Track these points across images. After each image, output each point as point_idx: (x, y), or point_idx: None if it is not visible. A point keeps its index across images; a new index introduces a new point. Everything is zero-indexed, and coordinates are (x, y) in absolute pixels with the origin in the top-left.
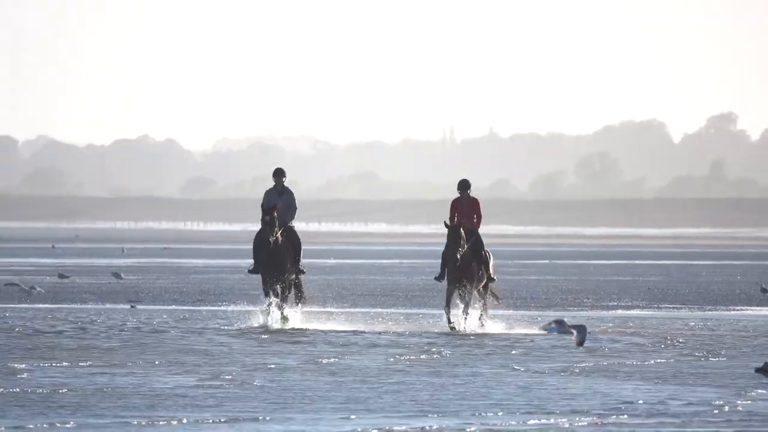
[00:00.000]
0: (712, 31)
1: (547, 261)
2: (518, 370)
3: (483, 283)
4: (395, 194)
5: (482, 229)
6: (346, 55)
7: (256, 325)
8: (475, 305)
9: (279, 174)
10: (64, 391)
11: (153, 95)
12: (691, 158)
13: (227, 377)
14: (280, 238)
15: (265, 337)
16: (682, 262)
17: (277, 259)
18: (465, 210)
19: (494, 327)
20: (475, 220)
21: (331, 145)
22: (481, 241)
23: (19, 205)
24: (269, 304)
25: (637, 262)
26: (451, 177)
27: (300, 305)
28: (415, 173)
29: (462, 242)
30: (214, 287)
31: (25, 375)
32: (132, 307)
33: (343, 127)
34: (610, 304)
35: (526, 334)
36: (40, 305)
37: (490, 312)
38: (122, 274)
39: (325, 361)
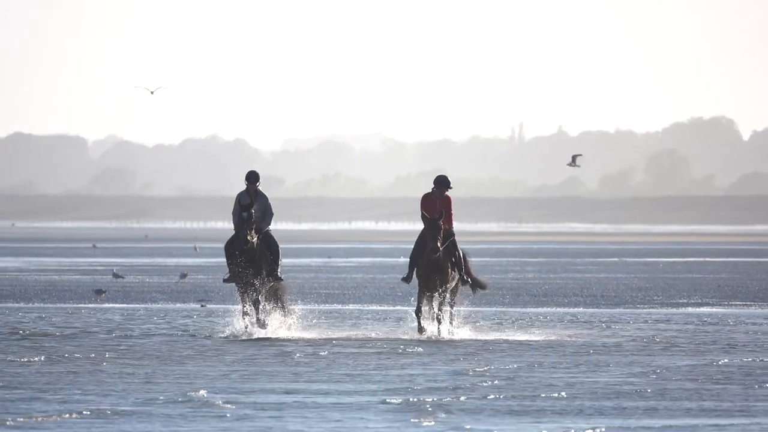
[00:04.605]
0: None
1: (616, 259)
2: None
3: (454, 285)
4: (464, 192)
5: (550, 227)
6: (415, 53)
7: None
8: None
9: (252, 178)
10: None
11: (222, 95)
12: (761, 155)
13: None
14: (255, 242)
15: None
16: (752, 259)
17: (252, 261)
18: (438, 207)
19: (463, 332)
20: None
21: (400, 142)
22: (455, 242)
23: (88, 205)
24: (244, 312)
25: (707, 259)
26: (521, 175)
27: (281, 315)
28: (484, 171)
29: (441, 234)
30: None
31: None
32: (202, 306)
33: (411, 125)
34: (681, 301)
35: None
36: (114, 305)
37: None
38: (186, 274)
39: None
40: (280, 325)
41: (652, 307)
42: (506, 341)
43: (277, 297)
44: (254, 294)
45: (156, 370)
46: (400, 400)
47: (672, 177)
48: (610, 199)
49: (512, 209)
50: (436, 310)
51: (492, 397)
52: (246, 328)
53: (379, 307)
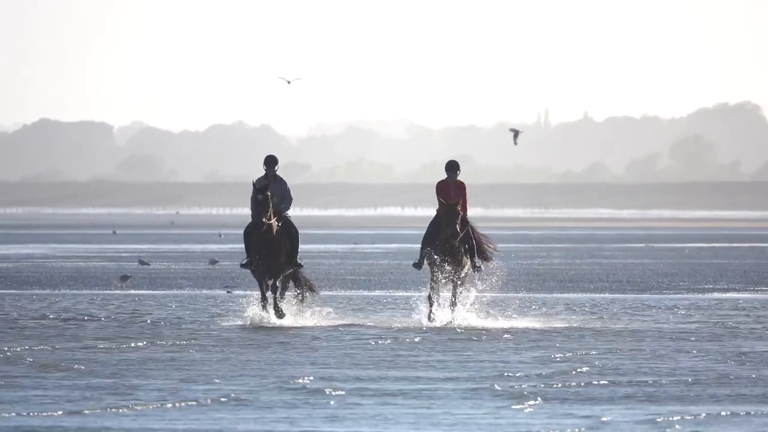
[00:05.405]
0: None
1: (642, 244)
2: None
3: (465, 271)
4: (490, 178)
5: (575, 213)
6: (440, 39)
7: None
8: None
9: (270, 162)
10: None
11: (248, 81)
12: None
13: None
14: (275, 225)
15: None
16: None
17: (270, 245)
18: (452, 194)
19: (468, 318)
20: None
21: (426, 129)
22: (472, 229)
23: (114, 192)
24: (263, 299)
25: (733, 245)
26: (547, 161)
27: (302, 302)
28: (510, 157)
29: (459, 220)
30: (310, 272)
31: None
32: (228, 292)
33: (437, 111)
34: (707, 287)
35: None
36: (140, 291)
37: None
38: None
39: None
40: (300, 311)
41: (678, 293)
42: (575, 327)
43: (300, 282)
44: (272, 280)
45: (245, 357)
46: (499, 387)
47: (697, 163)
48: (635, 184)
49: (538, 195)
50: (451, 295)
51: (585, 383)
52: (264, 314)
53: (406, 293)
